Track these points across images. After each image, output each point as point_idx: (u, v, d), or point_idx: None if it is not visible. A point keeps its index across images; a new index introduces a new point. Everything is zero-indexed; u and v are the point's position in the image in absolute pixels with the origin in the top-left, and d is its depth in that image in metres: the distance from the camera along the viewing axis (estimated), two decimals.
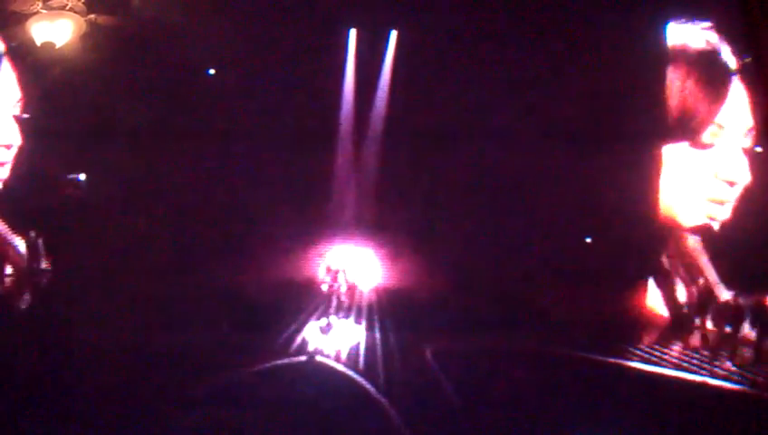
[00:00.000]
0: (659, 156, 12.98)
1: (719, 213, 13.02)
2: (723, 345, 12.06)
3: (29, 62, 12.64)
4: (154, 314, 10.68)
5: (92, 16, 12.84)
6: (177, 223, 11.62)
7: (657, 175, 13.00)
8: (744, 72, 12.82)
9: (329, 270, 12.12)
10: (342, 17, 12.67)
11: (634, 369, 11.52)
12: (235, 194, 11.87)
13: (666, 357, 11.80)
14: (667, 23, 12.99)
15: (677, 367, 11.67)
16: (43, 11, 12.75)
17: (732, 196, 12.90)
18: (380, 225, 12.40)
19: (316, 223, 12.16)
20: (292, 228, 11.83)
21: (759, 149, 12.73)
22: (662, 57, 12.98)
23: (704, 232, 12.95)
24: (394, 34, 12.99)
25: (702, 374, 11.44)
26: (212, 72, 12.77)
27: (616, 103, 12.31)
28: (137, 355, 10.23)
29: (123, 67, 12.49)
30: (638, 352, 11.82)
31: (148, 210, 11.75)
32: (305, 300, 11.75)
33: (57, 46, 12.77)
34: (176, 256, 11.31)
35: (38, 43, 12.73)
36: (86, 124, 12.27)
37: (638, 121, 12.54)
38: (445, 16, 12.47)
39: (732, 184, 12.87)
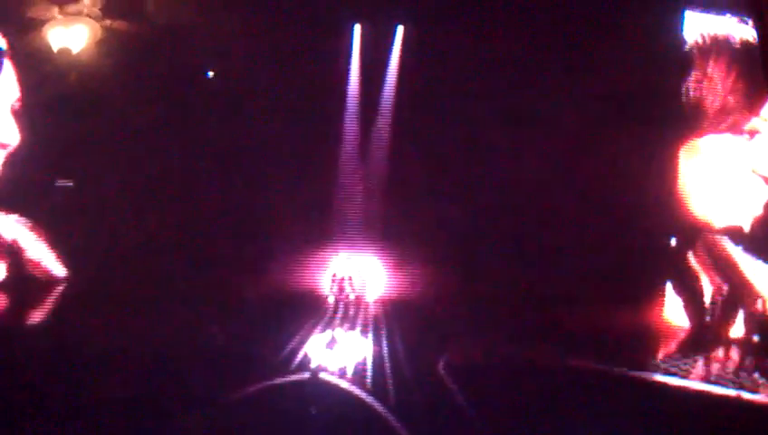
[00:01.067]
0: (689, 151, 11.01)
1: (752, 211, 10.96)
2: (750, 356, 9.94)
3: (47, 68, 11.12)
4: (142, 331, 8.93)
5: (108, 22, 11.32)
6: (176, 229, 9.83)
7: (683, 172, 11.01)
8: None
9: (334, 278, 10.21)
10: (345, 11, 10.96)
11: (658, 383, 9.72)
12: (236, 198, 10.08)
13: (690, 369, 10.01)
14: (683, 11, 11.02)
15: (703, 380, 9.87)
16: (59, 17, 11.29)
17: (765, 194, 10.96)
18: (387, 230, 10.56)
19: (319, 228, 10.33)
20: (293, 234, 10.10)
21: None
22: (692, 49, 11.00)
23: (733, 233, 10.84)
24: (400, 29, 11.03)
25: (729, 387, 9.39)
26: (211, 74, 11.22)
27: (640, 98, 10.43)
28: (122, 377, 8.31)
29: (138, 71, 10.99)
30: (661, 365, 9.93)
31: (149, 216, 9.88)
32: (307, 311, 9.93)
33: (73, 52, 11.31)
34: (171, 264, 9.55)
35: (54, 50, 11.27)
36: (99, 129, 10.65)
37: (665, 116, 10.64)
38: (454, 10, 10.73)
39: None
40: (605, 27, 10.69)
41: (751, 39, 10.83)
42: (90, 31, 11.37)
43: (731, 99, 11.14)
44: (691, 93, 11.20)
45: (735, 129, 11.17)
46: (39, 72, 11.26)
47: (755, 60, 10.77)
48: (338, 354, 9.43)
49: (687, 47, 11.08)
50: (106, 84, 10.98)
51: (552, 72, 10.75)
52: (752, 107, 10.90)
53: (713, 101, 11.21)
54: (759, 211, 10.84)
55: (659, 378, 9.64)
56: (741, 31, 11.08)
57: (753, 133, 11.03)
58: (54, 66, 11.31)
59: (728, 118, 11.14)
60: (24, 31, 11.24)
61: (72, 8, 11.30)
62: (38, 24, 11.27)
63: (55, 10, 11.25)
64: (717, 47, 11.14)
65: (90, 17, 11.38)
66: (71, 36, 11.36)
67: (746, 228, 10.92)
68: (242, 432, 8.07)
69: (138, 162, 10.45)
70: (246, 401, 8.38)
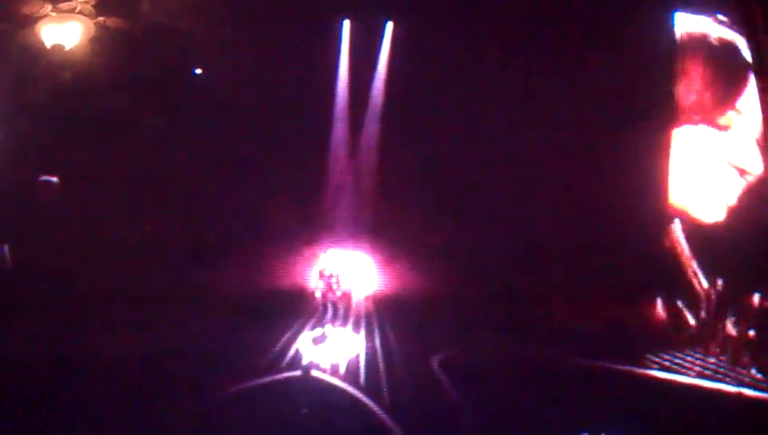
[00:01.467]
0: (672, 143, 10.91)
1: (727, 202, 10.77)
2: (747, 351, 9.34)
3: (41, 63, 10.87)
4: (134, 328, 8.17)
5: (101, 19, 11.08)
6: (166, 228, 9.26)
7: (668, 164, 10.91)
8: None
9: (322, 275, 9.70)
10: (334, 7, 10.52)
11: (654, 378, 9.13)
12: (224, 196, 9.53)
13: (687, 365, 9.55)
14: (674, 11, 10.84)
15: (700, 376, 9.29)
16: (53, 14, 11.04)
17: (741, 185, 10.74)
18: (377, 226, 10.00)
19: (309, 225, 9.80)
20: (282, 230, 9.67)
21: None
22: (673, 45, 10.82)
23: (719, 228, 10.44)
24: (390, 26, 10.43)
25: (726, 383, 8.87)
26: (198, 71, 10.88)
27: (625, 93, 10.25)
28: (116, 374, 7.64)
29: (130, 68, 10.73)
30: (657, 360, 9.50)
31: (138, 214, 9.22)
32: (297, 308, 9.38)
33: (66, 48, 11.04)
34: (158, 260, 8.80)
35: (48, 46, 11.01)
36: (89, 125, 10.41)
37: (650, 110, 10.50)
38: (443, 6, 10.44)
39: (743, 173, 10.80)
40: (591, 27, 10.29)
41: (727, 36, 10.52)
42: (83, 28, 10.99)
43: (706, 93, 10.79)
44: (673, 88, 10.83)
45: (712, 119, 10.82)
46: (32, 68, 10.79)
47: (731, 57, 10.49)
48: (329, 352, 8.78)
49: (670, 44, 10.74)
50: (98, 80, 10.61)
51: (542, 69, 10.34)
52: (727, 99, 10.64)
53: (692, 95, 10.82)
54: (736, 202, 10.51)
55: (656, 373, 9.09)
56: (717, 30, 10.72)
57: (727, 124, 10.80)
58: (48, 62, 10.88)
59: (704, 109, 10.76)
60: (17, 27, 10.71)
61: (65, 5, 10.94)
62: (31, 21, 10.86)
63: (48, 7, 10.88)
64: (694, 44, 10.77)
65: (83, 14, 11.04)
66: (64, 33, 10.92)
67: (728, 220, 10.55)
68: (234, 432, 7.34)
69: (128, 160, 9.91)
70: (238, 400, 7.70)
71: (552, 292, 9.89)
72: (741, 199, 10.61)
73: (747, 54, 10.38)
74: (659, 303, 10.22)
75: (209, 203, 9.56)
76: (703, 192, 10.88)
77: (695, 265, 10.38)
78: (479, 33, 10.31)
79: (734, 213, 10.62)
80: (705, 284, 10.21)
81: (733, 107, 10.73)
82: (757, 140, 10.53)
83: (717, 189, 10.80)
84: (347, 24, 10.56)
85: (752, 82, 10.42)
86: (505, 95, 10.21)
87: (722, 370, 9.28)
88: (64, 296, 8.58)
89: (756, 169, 10.52)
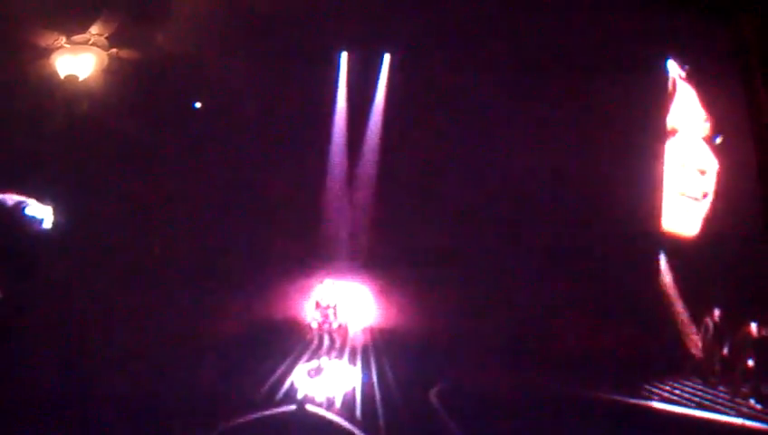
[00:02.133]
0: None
1: (700, 210, 10.51)
2: (745, 381, 8.77)
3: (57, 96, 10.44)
4: (125, 363, 7.75)
5: (114, 50, 10.62)
6: (163, 257, 8.83)
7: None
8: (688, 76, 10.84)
9: (318, 306, 9.21)
10: (332, 39, 10.04)
11: (654, 409, 8.73)
12: (219, 224, 9.00)
13: (685, 395, 9.03)
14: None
15: (699, 406, 8.88)
16: (67, 45, 10.59)
17: (707, 187, 10.54)
18: (374, 257, 9.57)
19: (305, 255, 9.32)
20: (278, 261, 9.18)
21: (719, 140, 10.56)
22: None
23: (708, 250, 10.11)
24: (387, 58, 10.14)
25: (725, 413, 8.37)
26: (198, 105, 10.36)
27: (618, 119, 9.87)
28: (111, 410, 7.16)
29: (139, 97, 10.17)
30: (656, 391, 8.95)
31: (136, 243, 8.86)
32: (293, 340, 8.82)
33: (80, 79, 10.58)
34: (149, 291, 8.43)
35: (62, 77, 10.55)
36: (106, 153, 9.84)
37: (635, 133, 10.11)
38: (440, 38, 9.85)
39: (702, 173, 10.63)
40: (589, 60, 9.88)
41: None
42: (96, 59, 10.60)
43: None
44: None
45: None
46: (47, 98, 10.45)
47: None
48: (325, 385, 8.36)
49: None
50: (111, 110, 10.10)
51: (541, 100, 9.88)
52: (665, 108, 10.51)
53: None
54: (711, 212, 10.29)
55: (656, 405, 8.60)
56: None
57: (672, 128, 10.60)
58: (62, 92, 10.59)
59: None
60: (32, 59, 10.37)
61: (78, 37, 10.60)
62: (46, 53, 10.53)
63: (62, 39, 10.52)
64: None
65: (96, 46, 10.78)
66: (78, 64, 10.56)
67: (713, 238, 10.06)
68: None
69: (128, 187, 9.46)
70: None
71: (553, 320, 9.36)
72: (715, 210, 10.28)
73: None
74: (657, 332, 9.70)
75: (205, 233, 9.06)
76: (679, 203, 10.52)
77: (689, 292, 9.93)
78: (477, 66, 9.87)
79: (714, 228, 10.19)
80: (702, 312, 9.71)
81: (668, 111, 10.58)
82: (705, 139, 10.51)
83: (690, 197, 10.50)
84: (344, 56, 10.08)
85: (683, 89, 10.63)
86: (505, 126, 9.84)
87: (721, 401, 8.81)
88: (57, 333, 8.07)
89: (713, 168, 10.34)
